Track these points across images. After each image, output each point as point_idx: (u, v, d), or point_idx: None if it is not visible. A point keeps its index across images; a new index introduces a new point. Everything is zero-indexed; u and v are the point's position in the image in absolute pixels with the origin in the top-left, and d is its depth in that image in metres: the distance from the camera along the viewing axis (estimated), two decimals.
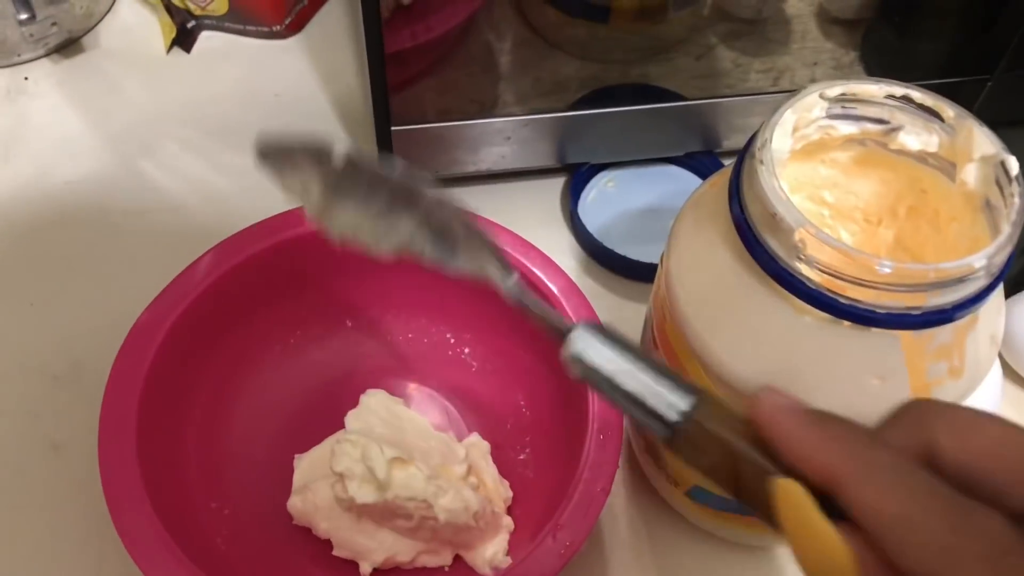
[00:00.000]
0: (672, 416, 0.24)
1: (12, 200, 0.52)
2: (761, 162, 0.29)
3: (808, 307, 0.29)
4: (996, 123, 0.48)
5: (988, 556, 0.19)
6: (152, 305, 0.39)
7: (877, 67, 0.49)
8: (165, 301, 0.39)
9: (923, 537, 0.19)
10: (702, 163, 0.53)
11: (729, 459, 0.23)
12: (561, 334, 0.26)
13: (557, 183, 0.54)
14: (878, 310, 0.28)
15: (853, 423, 0.22)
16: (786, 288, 0.29)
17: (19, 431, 0.44)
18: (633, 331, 0.43)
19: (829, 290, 0.28)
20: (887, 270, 0.27)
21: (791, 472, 0.22)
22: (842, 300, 0.28)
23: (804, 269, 0.28)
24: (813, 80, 0.48)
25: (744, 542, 0.41)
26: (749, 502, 0.23)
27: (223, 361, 0.42)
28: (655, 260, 0.48)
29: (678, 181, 0.53)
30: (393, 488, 0.36)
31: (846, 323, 0.29)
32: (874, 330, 0.29)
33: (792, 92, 0.32)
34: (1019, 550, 0.19)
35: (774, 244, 0.29)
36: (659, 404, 0.24)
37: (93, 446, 0.36)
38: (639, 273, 0.49)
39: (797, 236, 0.28)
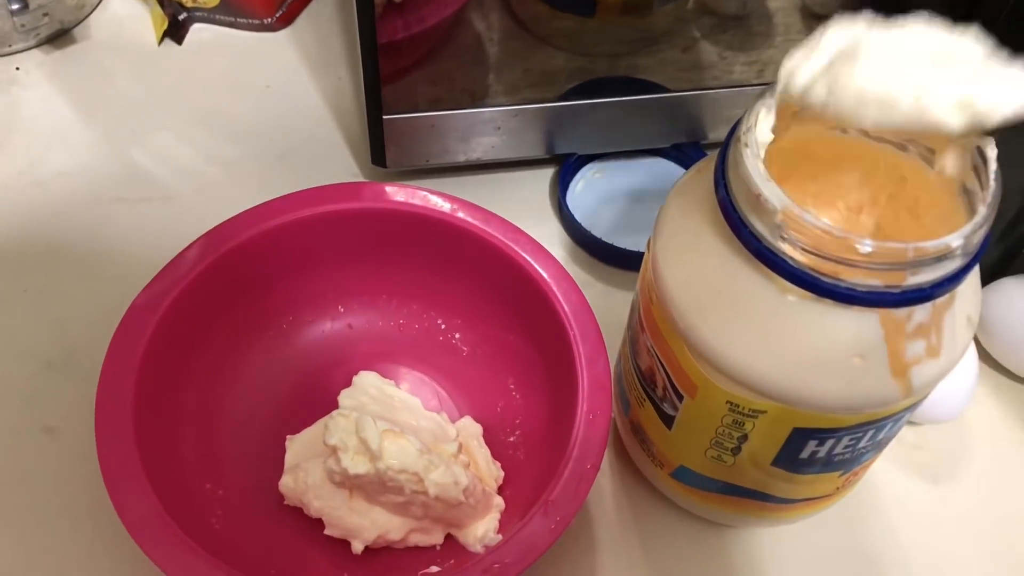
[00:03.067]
0: None
1: (4, 189, 0.52)
2: (746, 145, 0.30)
3: (791, 286, 0.30)
4: None
5: None
6: (148, 287, 0.40)
7: None
8: (160, 283, 0.40)
9: None
10: (688, 155, 0.54)
11: None
12: None
13: (546, 174, 0.54)
14: (859, 288, 0.29)
15: None
16: (770, 267, 0.30)
17: (12, 416, 0.44)
18: (619, 317, 0.44)
19: (811, 269, 0.29)
20: (867, 248, 0.28)
21: None
22: (824, 279, 0.29)
23: (787, 249, 0.29)
24: None
25: (727, 522, 0.42)
26: None
27: (217, 344, 0.42)
28: (641, 249, 0.49)
29: (664, 172, 0.54)
30: (385, 459, 0.36)
31: (828, 301, 0.30)
32: (855, 309, 0.30)
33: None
34: None
35: (758, 225, 0.30)
36: None
37: (86, 430, 0.37)
38: (625, 261, 0.50)
39: (780, 216, 0.29)
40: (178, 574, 0.34)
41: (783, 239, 0.29)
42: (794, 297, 0.30)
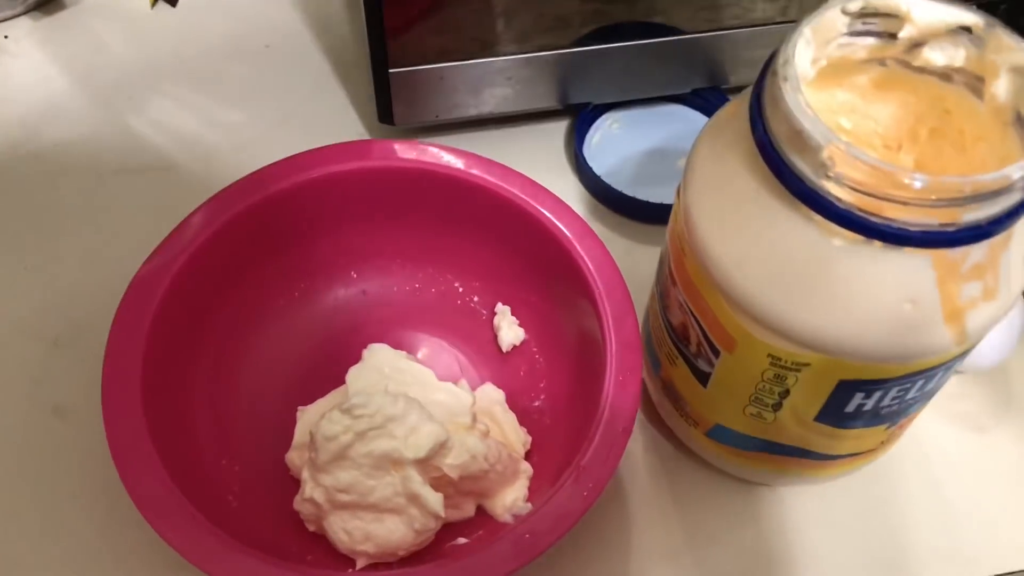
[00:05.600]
0: None
1: (1, 163, 0.50)
2: (785, 79, 0.28)
3: (838, 228, 0.28)
4: None
5: None
6: (151, 257, 0.38)
7: None
8: (165, 253, 0.38)
9: None
10: (708, 101, 0.52)
11: None
12: None
13: (560, 126, 0.52)
14: (911, 228, 0.27)
15: None
16: (815, 209, 0.28)
17: (20, 397, 0.43)
18: (644, 273, 0.42)
19: (860, 209, 0.27)
20: (920, 184, 0.26)
21: None
22: (873, 219, 0.27)
23: (833, 188, 0.27)
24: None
25: (766, 481, 0.40)
26: None
27: (227, 315, 0.40)
28: (664, 201, 0.47)
29: (684, 121, 0.52)
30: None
31: (877, 244, 0.27)
32: (906, 251, 0.27)
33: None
34: None
35: (801, 164, 0.27)
36: None
37: (97, 409, 0.35)
38: (648, 215, 0.48)
39: (826, 153, 0.27)
40: (193, 555, 0.32)
41: (828, 178, 0.27)
42: (840, 241, 0.28)
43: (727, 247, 0.31)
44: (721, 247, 0.31)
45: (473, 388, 0.41)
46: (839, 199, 0.27)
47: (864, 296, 0.28)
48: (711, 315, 0.32)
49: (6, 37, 0.55)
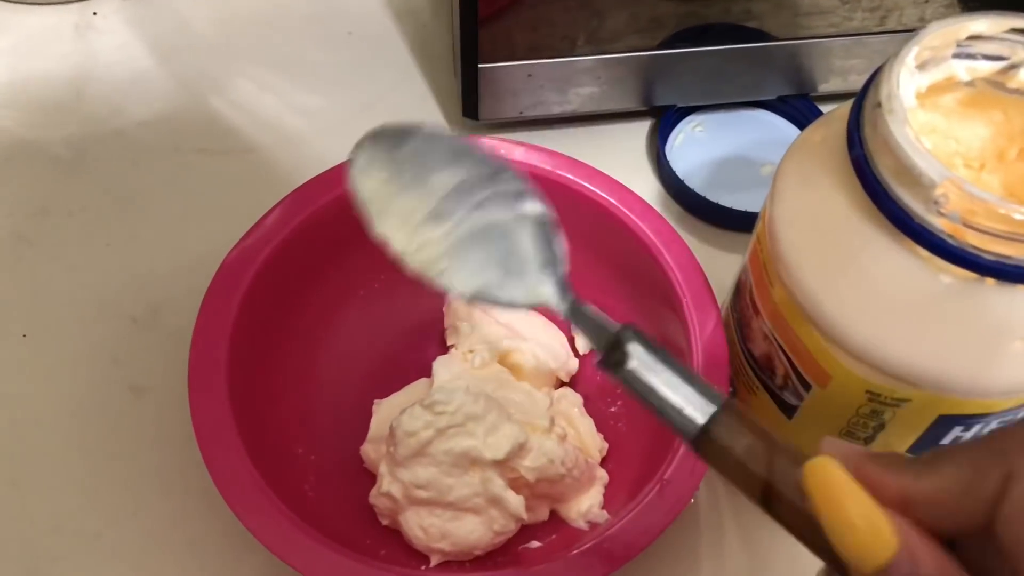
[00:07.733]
0: (694, 425, 0.24)
1: (85, 139, 0.51)
2: (891, 111, 0.27)
3: (948, 265, 0.27)
4: None
5: None
6: (239, 244, 0.38)
7: (988, 4, 0.46)
8: (251, 241, 0.39)
9: None
10: (795, 108, 0.51)
11: (747, 472, 0.23)
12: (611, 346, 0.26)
13: (643, 126, 0.52)
14: None
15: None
16: (924, 246, 0.27)
17: (99, 375, 0.43)
18: (724, 280, 0.41)
19: (974, 247, 0.26)
20: None
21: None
22: (987, 256, 0.26)
23: (944, 224, 0.26)
24: (922, 19, 0.45)
25: None
26: (777, 512, 0.23)
27: (310, 303, 0.41)
28: (746, 208, 0.47)
29: (769, 127, 0.51)
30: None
31: (989, 281, 0.27)
32: (1020, 288, 0.27)
33: (903, 32, 0.30)
34: None
35: (908, 199, 0.27)
36: (683, 414, 0.24)
37: (174, 389, 0.36)
38: (729, 221, 0.47)
39: (940, 190, 0.26)
40: (272, 542, 0.32)
41: (940, 215, 0.26)
42: (950, 277, 0.27)
43: (821, 280, 0.30)
44: (815, 280, 0.30)
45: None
46: (951, 236, 0.26)
47: (974, 334, 0.28)
48: (802, 348, 0.32)
49: (95, 14, 0.56)
